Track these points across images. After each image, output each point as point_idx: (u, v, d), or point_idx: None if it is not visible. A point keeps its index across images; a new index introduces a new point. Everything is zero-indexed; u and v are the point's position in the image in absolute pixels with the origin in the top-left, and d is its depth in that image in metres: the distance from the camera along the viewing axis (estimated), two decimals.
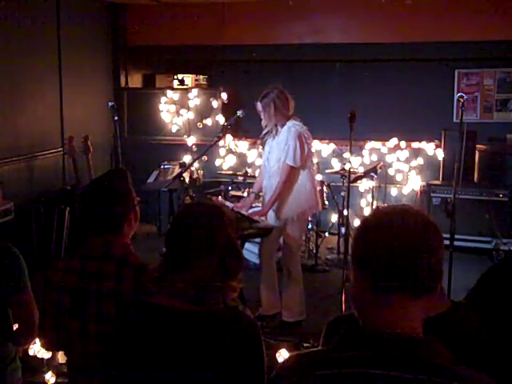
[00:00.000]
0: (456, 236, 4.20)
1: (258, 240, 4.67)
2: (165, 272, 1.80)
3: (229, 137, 6.70)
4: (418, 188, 6.73)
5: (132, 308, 1.81)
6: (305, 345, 4.00)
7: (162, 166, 6.71)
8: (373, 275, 1.31)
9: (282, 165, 4.22)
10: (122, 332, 1.78)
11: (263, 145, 4.47)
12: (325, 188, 6.20)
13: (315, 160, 6.74)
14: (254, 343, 1.70)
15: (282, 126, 4.28)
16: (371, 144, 6.85)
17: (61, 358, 3.29)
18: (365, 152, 6.84)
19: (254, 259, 4.93)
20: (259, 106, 4.27)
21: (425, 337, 1.33)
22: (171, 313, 1.71)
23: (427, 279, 1.31)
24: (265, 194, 4.44)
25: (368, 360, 1.27)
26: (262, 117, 4.27)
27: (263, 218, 4.29)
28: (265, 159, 4.44)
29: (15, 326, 2.31)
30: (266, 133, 4.39)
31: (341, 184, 6.23)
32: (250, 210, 4.54)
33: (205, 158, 5.77)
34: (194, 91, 7.28)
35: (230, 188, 6.34)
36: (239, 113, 4.34)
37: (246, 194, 5.77)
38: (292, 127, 4.23)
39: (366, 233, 1.36)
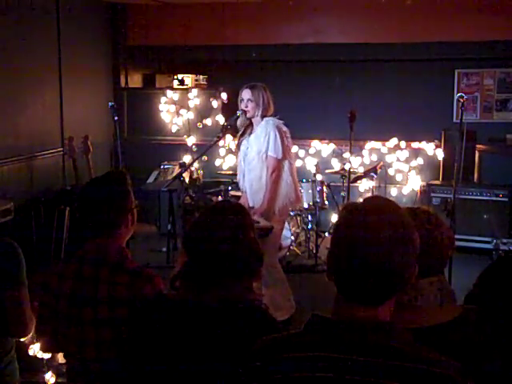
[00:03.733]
0: (456, 236, 4.19)
1: None
2: (189, 279, 1.82)
3: (229, 137, 6.70)
4: (417, 188, 6.72)
5: (154, 302, 1.86)
6: None
7: (162, 166, 6.70)
8: (338, 282, 1.35)
9: (266, 157, 4.22)
10: (141, 326, 1.83)
11: (238, 146, 4.48)
12: (325, 188, 6.20)
13: (315, 160, 6.77)
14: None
15: (257, 123, 4.30)
16: (371, 144, 6.85)
17: (61, 358, 3.28)
18: (365, 152, 6.84)
19: None
20: (248, 92, 4.26)
21: (388, 322, 1.34)
22: (194, 305, 1.75)
23: (391, 290, 1.33)
24: (245, 190, 4.45)
25: (329, 344, 1.30)
26: (245, 104, 4.25)
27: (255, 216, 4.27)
28: (241, 159, 4.45)
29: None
30: (242, 134, 4.41)
31: (341, 184, 6.23)
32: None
33: (205, 158, 5.77)
34: (194, 91, 7.27)
35: (229, 188, 6.34)
36: (239, 113, 4.35)
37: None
38: (270, 120, 4.27)
39: (335, 240, 1.38)
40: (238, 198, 5.26)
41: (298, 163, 6.23)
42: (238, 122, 4.38)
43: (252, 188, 4.38)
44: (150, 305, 1.88)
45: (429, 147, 6.76)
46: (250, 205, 4.41)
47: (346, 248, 1.32)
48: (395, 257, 1.29)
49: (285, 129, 4.32)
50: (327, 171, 6.43)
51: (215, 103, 7.17)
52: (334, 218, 6.49)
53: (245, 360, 1.41)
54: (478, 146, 6.57)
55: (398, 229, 1.31)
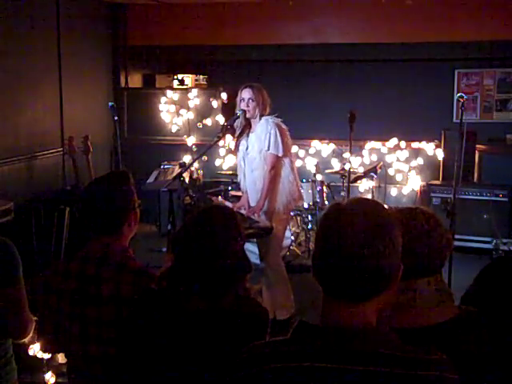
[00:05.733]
0: (456, 236, 4.20)
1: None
2: (173, 282, 1.83)
3: (229, 137, 6.69)
4: (417, 188, 6.73)
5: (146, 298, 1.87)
6: None
7: (162, 166, 6.70)
8: (320, 279, 1.36)
9: (266, 155, 4.23)
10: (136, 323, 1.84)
11: (237, 146, 4.48)
12: (325, 188, 6.20)
13: (315, 160, 6.77)
14: (261, 330, 1.76)
15: (256, 123, 4.31)
16: (371, 144, 6.85)
17: (61, 358, 3.28)
18: (365, 152, 6.84)
19: (254, 259, 4.93)
20: (249, 92, 4.26)
21: (376, 327, 1.34)
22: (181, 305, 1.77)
23: (371, 285, 1.32)
24: (248, 189, 4.46)
25: (315, 353, 1.29)
26: (247, 103, 4.25)
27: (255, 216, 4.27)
28: (240, 158, 4.46)
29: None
30: (240, 135, 4.41)
31: (341, 184, 6.23)
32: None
33: (205, 158, 5.76)
34: (194, 91, 7.27)
35: (229, 188, 6.34)
36: (239, 113, 4.35)
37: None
38: (269, 119, 4.29)
39: (317, 235, 1.39)
40: (239, 198, 5.27)
41: (298, 163, 6.23)
42: (235, 123, 4.38)
43: (255, 187, 4.38)
44: (143, 300, 1.90)
45: (429, 147, 6.77)
46: (252, 204, 4.41)
47: (325, 245, 1.34)
48: (372, 252, 1.29)
49: (284, 127, 4.33)
50: (327, 171, 6.43)
51: (215, 103, 7.17)
52: None
53: (231, 369, 1.40)
54: (478, 146, 6.56)
55: (376, 224, 1.32)
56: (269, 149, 4.21)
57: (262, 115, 4.29)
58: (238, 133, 4.43)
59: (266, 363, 1.32)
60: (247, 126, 4.39)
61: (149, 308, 1.83)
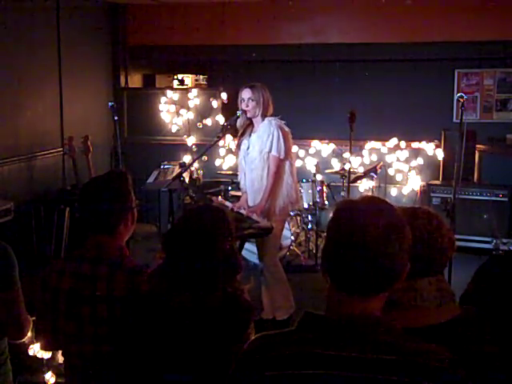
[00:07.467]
0: (456, 236, 4.18)
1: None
2: (163, 278, 1.84)
3: (229, 137, 6.70)
4: (417, 188, 6.72)
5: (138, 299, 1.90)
6: None
7: (162, 166, 6.70)
8: (330, 274, 1.37)
9: (268, 156, 4.23)
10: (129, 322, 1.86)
11: (238, 145, 4.48)
12: (325, 188, 6.20)
13: (315, 160, 6.77)
14: (243, 326, 1.78)
15: (258, 123, 4.31)
16: (371, 144, 6.85)
17: (61, 358, 3.29)
18: (365, 152, 6.84)
19: (254, 259, 4.93)
20: (248, 91, 4.27)
21: (377, 316, 1.36)
22: (167, 302, 1.79)
23: (384, 281, 1.34)
24: (247, 188, 4.46)
25: (320, 341, 1.31)
26: (246, 103, 4.26)
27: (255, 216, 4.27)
28: (241, 158, 4.46)
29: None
30: (242, 134, 4.41)
31: (341, 184, 6.23)
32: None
33: (205, 157, 5.77)
34: (194, 91, 7.28)
35: (229, 188, 6.34)
36: (239, 113, 4.35)
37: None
38: (272, 120, 4.29)
39: (328, 233, 1.40)
40: (238, 198, 5.27)
41: (298, 163, 6.23)
42: (238, 123, 4.38)
43: (253, 187, 4.39)
44: (133, 299, 1.92)
45: (429, 147, 6.77)
46: (250, 204, 4.41)
47: (342, 241, 1.34)
48: (390, 249, 1.31)
49: (287, 129, 4.33)
50: (327, 171, 6.43)
51: (215, 103, 7.17)
52: None
53: (237, 358, 1.42)
54: (478, 146, 6.57)
55: (391, 224, 1.34)
56: (271, 150, 4.21)
57: (264, 115, 4.29)
58: (240, 132, 4.43)
59: (272, 351, 1.34)
60: (250, 126, 4.39)
61: (139, 306, 1.85)
